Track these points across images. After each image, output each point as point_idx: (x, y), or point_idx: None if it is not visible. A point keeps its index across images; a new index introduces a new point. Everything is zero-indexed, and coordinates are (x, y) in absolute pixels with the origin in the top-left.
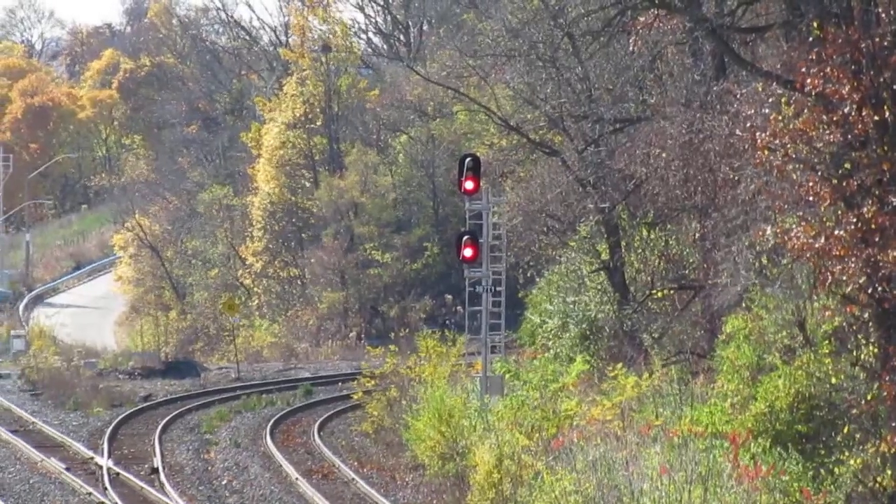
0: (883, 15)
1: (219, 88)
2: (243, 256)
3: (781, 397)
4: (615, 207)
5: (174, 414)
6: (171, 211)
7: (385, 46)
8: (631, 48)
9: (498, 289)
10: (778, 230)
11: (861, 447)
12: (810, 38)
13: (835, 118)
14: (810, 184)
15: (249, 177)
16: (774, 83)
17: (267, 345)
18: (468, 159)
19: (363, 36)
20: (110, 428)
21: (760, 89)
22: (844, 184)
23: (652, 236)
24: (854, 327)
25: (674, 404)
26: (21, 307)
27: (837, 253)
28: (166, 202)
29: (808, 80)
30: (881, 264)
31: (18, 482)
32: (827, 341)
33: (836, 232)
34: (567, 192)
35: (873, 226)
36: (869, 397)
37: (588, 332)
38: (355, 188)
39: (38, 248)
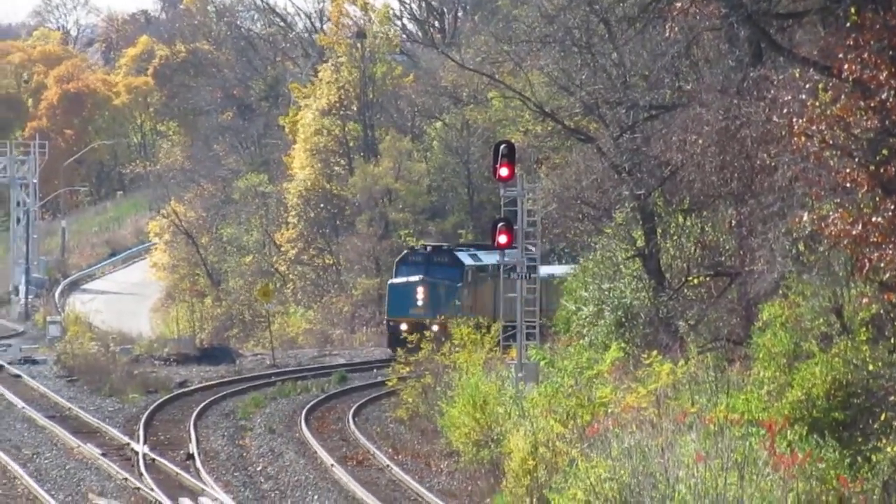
0: None
1: (254, 75)
2: (278, 243)
3: (818, 385)
4: (651, 194)
5: (209, 400)
6: (206, 198)
7: (420, 33)
8: (667, 34)
9: (533, 275)
10: (815, 217)
11: None
12: (847, 24)
13: (872, 104)
14: (847, 170)
15: (284, 164)
16: (811, 69)
17: (302, 331)
18: (503, 146)
19: (398, 22)
20: (146, 414)
21: (797, 75)
22: (882, 170)
23: (688, 223)
24: (891, 314)
25: (709, 391)
26: (57, 293)
27: (875, 240)
28: (201, 189)
29: (846, 66)
30: None
31: (55, 468)
32: (864, 328)
33: (873, 219)
34: (602, 179)
35: None
36: None
37: (623, 320)
38: (390, 175)
39: (74, 234)
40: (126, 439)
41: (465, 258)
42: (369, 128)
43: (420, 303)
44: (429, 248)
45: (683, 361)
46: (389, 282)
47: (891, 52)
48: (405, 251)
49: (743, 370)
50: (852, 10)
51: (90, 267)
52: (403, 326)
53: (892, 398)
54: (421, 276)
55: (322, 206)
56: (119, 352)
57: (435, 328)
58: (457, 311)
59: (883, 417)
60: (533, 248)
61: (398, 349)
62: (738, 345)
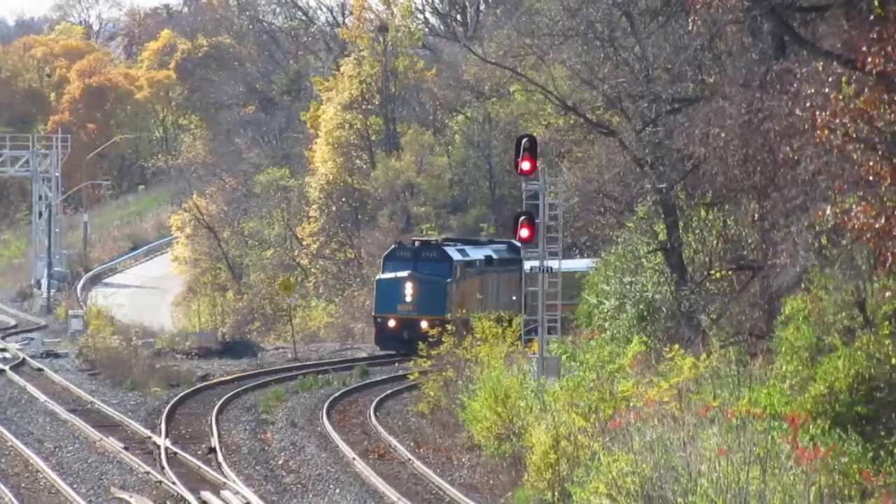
0: None
1: (276, 69)
2: (300, 237)
3: (841, 378)
4: (673, 188)
5: (231, 394)
6: (228, 192)
7: (442, 26)
8: (689, 27)
9: (554, 269)
10: (838, 210)
11: None
12: (871, 17)
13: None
14: (871, 163)
15: (306, 158)
16: (835, 62)
17: (323, 325)
18: (525, 139)
19: (420, 16)
20: (167, 407)
21: (821, 68)
22: None
23: (710, 217)
24: None
25: (732, 385)
26: (79, 287)
27: None
28: (223, 183)
29: (869, 59)
30: None
31: (77, 461)
32: (887, 322)
33: None
34: (624, 173)
35: None
36: None
37: (645, 313)
38: (411, 169)
39: (96, 228)
40: (148, 433)
41: (453, 253)
42: (391, 122)
43: (408, 299)
44: (417, 243)
45: (705, 355)
46: (377, 277)
47: None
48: (393, 246)
49: (765, 364)
50: (876, 2)
51: (112, 261)
52: (392, 323)
53: None
54: (409, 272)
55: (344, 199)
56: (141, 345)
57: (424, 325)
58: (444, 309)
59: None
60: (518, 243)
61: (414, 348)
62: (760, 339)
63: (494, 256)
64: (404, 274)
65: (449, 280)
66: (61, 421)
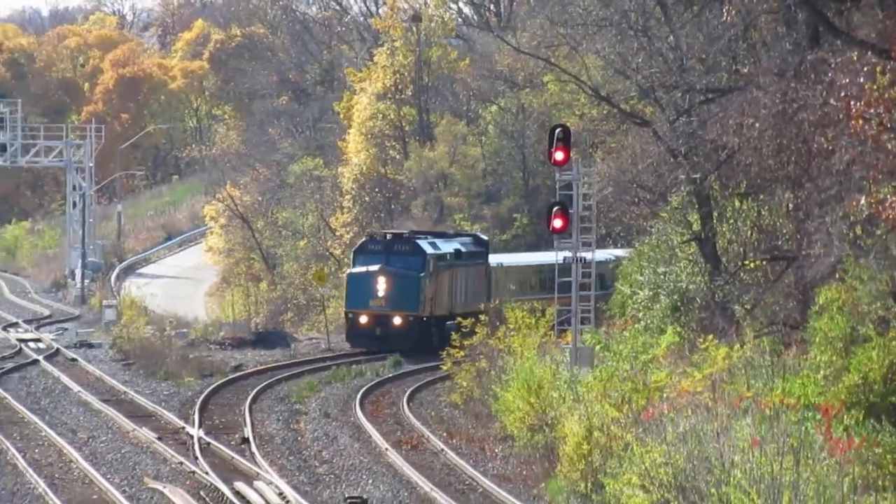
0: None
1: (309, 59)
2: (333, 227)
3: (875, 369)
4: (707, 178)
5: (264, 384)
6: (262, 182)
7: (475, 16)
8: (724, 17)
9: (588, 259)
10: (872, 200)
11: None
12: None
13: None
14: None
15: (339, 148)
16: (869, 52)
17: None
18: (558, 130)
19: (453, 6)
20: (201, 398)
21: (855, 58)
22: None
23: (744, 207)
24: None
25: (765, 376)
26: (113, 277)
27: None
28: (256, 173)
29: None
30: None
31: (110, 451)
32: None
33: None
34: (658, 163)
35: None
36: None
37: (679, 304)
38: (445, 159)
39: (130, 218)
40: (181, 423)
41: (426, 246)
42: (424, 112)
43: (381, 294)
44: (388, 236)
45: (739, 346)
46: (348, 272)
47: None
48: (364, 239)
49: (799, 354)
50: None
51: (146, 251)
52: (363, 319)
53: None
54: (381, 266)
55: (377, 190)
56: (174, 336)
57: (397, 321)
58: (417, 304)
59: None
60: (485, 237)
61: (387, 345)
62: (794, 329)
63: (463, 250)
64: (375, 268)
65: (422, 274)
66: (94, 411)
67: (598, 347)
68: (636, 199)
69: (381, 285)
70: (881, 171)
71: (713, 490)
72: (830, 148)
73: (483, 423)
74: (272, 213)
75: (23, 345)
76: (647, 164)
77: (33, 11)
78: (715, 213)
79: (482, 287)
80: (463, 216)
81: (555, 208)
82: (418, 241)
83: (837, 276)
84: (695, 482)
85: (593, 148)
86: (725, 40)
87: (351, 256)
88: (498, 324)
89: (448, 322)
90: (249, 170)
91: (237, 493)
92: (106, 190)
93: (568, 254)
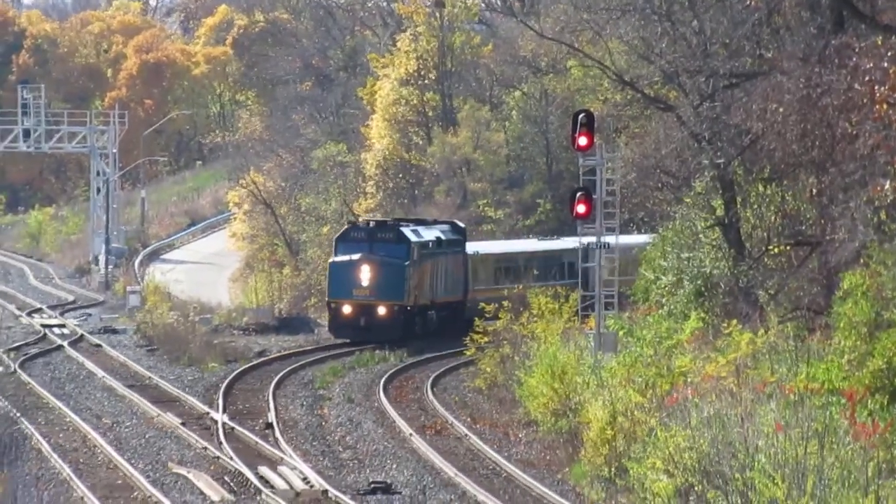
0: None
1: (332, 45)
2: (356, 213)
3: None
4: (731, 163)
5: (288, 370)
6: (285, 168)
7: (498, 1)
8: (748, 1)
9: (612, 245)
10: None
11: None
12: None
13: None
14: None
15: (363, 134)
16: (894, 37)
17: None
18: (582, 115)
19: None
20: (225, 383)
21: (879, 43)
22: None
23: (768, 192)
24: None
25: (789, 361)
26: (136, 263)
27: None
28: (280, 159)
29: None
30: None
31: (135, 436)
32: None
33: None
34: (682, 148)
35: None
36: None
37: (703, 289)
38: (468, 144)
39: (153, 204)
40: (205, 408)
41: (409, 234)
42: (448, 97)
43: (364, 283)
44: (372, 224)
45: (763, 331)
46: (330, 260)
47: None
48: (346, 226)
49: (823, 339)
50: None
51: (169, 237)
52: (347, 309)
53: None
54: (364, 254)
55: (400, 175)
56: (198, 321)
57: (382, 311)
58: (402, 293)
59: None
60: (461, 224)
61: (372, 336)
62: (818, 314)
63: (443, 237)
64: (359, 256)
65: (407, 263)
66: (119, 396)
67: (621, 333)
68: (660, 185)
69: (366, 274)
70: None
71: (737, 475)
72: (854, 132)
73: (507, 408)
74: (295, 199)
75: (47, 330)
76: (671, 149)
77: None
78: (739, 199)
79: (461, 275)
80: (486, 202)
81: (578, 194)
82: (402, 228)
83: (862, 260)
84: (719, 467)
85: (617, 133)
86: (749, 25)
87: (333, 245)
88: (521, 309)
89: (429, 312)
90: (273, 155)
91: (261, 478)
92: (129, 176)
93: (592, 238)
